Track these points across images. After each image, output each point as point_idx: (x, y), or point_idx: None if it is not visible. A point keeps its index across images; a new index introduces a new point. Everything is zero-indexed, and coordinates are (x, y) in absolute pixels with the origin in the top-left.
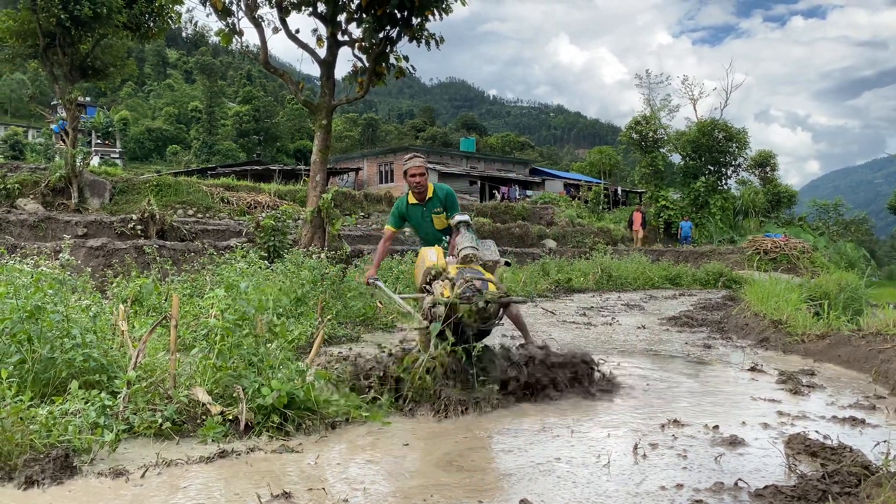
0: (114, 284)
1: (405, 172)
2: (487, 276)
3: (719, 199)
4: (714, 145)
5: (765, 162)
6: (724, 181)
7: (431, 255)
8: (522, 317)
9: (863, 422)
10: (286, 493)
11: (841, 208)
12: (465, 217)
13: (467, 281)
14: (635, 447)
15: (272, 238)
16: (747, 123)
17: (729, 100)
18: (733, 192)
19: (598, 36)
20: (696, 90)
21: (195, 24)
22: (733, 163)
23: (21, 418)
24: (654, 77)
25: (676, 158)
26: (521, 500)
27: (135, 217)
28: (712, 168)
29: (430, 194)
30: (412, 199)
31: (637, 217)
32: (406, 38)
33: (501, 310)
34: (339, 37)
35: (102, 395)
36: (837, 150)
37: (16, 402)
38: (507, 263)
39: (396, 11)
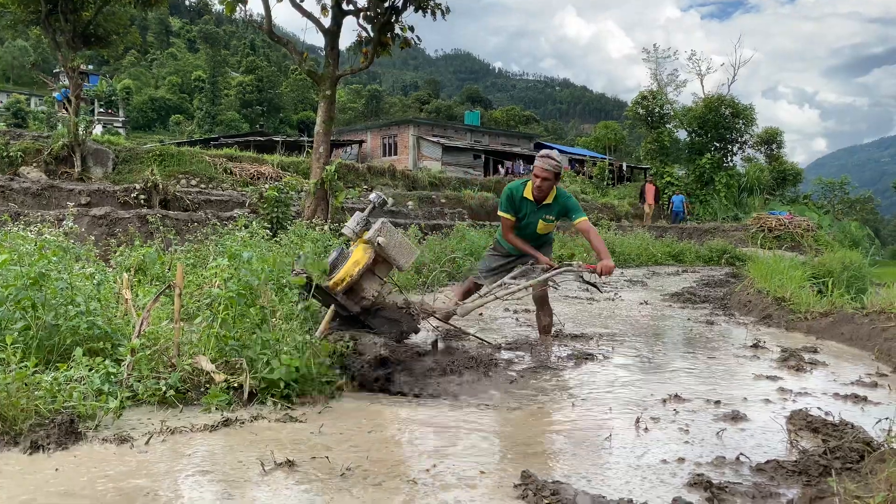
0: (117, 253)
1: (533, 167)
2: (355, 254)
3: (724, 176)
4: (720, 122)
5: (771, 139)
6: (729, 158)
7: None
8: (547, 328)
9: (865, 399)
10: (290, 461)
11: (847, 187)
12: (372, 196)
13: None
14: (637, 421)
15: (275, 209)
16: (754, 100)
17: (736, 75)
18: (738, 169)
19: (605, 9)
20: (703, 65)
21: None
22: (739, 139)
23: (26, 384)
24: (661, 52)
25: (682, 134)
26: (522, 472)
27: (138, 186)
28: (718, 145)
29: (549, 200)
30: (528, 194)
31: (650, 189)
32: (411, 7)
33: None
34: (344, 6)
35: (107, 362)
36: (845, 128)
37: (21, 368)
38: (378, 244)
39: None
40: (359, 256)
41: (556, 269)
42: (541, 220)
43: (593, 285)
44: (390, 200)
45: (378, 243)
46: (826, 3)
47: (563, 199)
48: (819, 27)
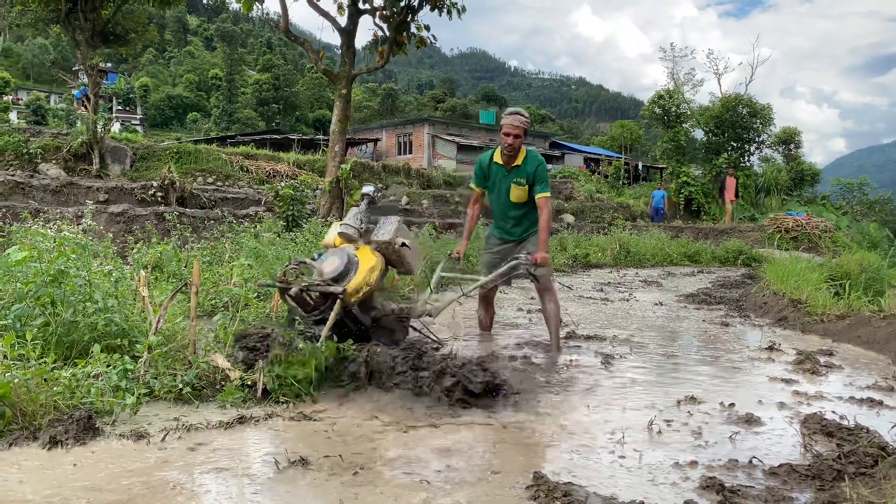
0: (134, 250)
1: (501, 126)
2: (366, 258)
3: (741, 177)
4: (738, 121)
5: (789, 139)
6: (746, 158)
7: (330, 232)
8: (553, 314)
9: (880, 403)
10: (303, 459)
11: (865, 187)
12: (368, 189)
13: (296, 264)
14: (650, 423)
15: (291, 208)
16: (772, 99)
17: (754, 75)
18: (756, 169)
19: (620, 7)
20: (720, 64)
21: None
22: (757, 139)
23: (45, 380)
24: (678, 50)
25: (699, 134)
26: (534, 472)
27: (155, 184)
28: (735, 144)
29: (519, 161)
30: (497, 158)
31: (731, 184)
32: (427, 6)
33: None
34: (361, 5)
35: (124, 358)
36: (864, 128)
37: (40, 364)
38: (403, 245)
39: None
40: (373, 261)
41: (511, 262)
42: (512, 185)
43: (533, 276)
44: (404, 199)
45: (403, 245)
46: (844, 1)
47: (535, 162)
48: (837, 26)
